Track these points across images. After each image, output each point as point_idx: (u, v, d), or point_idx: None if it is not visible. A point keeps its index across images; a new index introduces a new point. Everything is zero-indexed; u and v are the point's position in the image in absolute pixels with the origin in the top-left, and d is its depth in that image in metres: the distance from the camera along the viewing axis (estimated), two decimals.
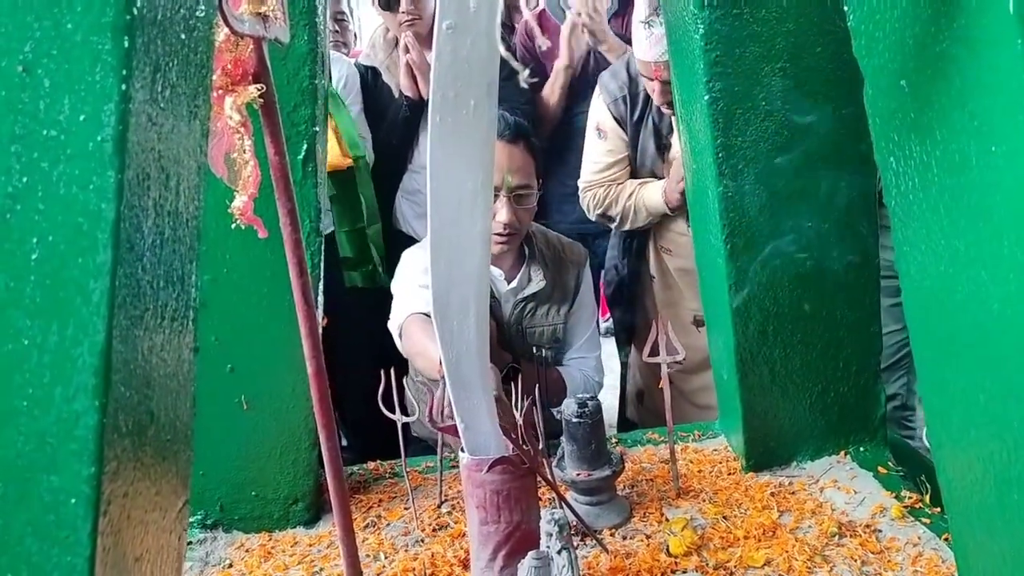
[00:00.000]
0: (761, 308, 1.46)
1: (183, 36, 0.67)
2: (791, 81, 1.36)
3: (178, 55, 0.67)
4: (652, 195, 2.26)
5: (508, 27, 3.18)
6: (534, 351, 1.99)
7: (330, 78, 2.62)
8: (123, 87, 0.58)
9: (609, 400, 2.63)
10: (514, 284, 2.01)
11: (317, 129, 1.36)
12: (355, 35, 3.26)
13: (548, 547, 1.01)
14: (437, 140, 1.07)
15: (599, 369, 2.18)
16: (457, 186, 1.08)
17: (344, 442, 3.18)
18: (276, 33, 1.10)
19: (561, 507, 1.29)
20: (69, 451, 0.58)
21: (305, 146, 1.35)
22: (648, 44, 1.98)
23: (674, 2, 1.42)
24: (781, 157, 1.39)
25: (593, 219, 2.45)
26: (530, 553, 1.02)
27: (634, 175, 2.34)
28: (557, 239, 2.15)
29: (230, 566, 1.43)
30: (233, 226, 1.06)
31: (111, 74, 0.58)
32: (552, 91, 2.85)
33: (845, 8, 0.84)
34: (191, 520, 1.50)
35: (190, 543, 1.47)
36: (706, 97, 1.36)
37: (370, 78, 2.79)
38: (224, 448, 1.48)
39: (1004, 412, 0.74)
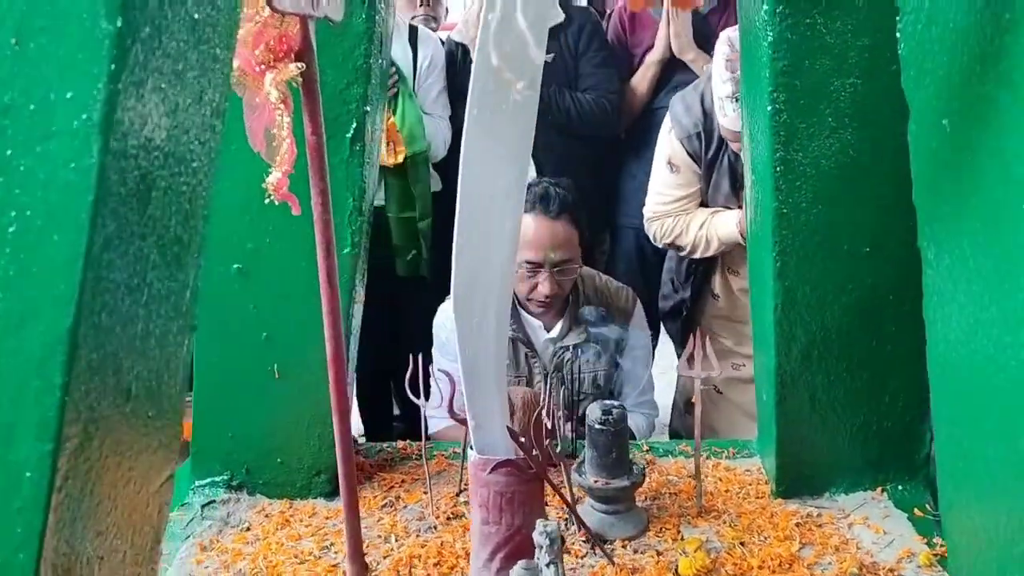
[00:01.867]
0: (807, 331, 1.40)
1: (192, 15, 0.67)
2: (861, 99, 1.29)
3: (183, 35, 0.66)
4: (726, 225, 2.17)
5: (601, 14, 3.14)
6: (573, 399, 1.99)
7: (413, 61, 2.64)
8: (112, 67, 0.58)
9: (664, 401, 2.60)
10: (554, 333, 2.03)
11: (368, 109, 1.35)
12: (446, 10, 3.24)
13: (538, 559, 1.00)
14: (473, 134, 1.05)
15: (655, 407, 2.22)
16: (490, 181, 1.07)
17: (396, 411, 3.22)
18: (326, 11, 1.10)
19: (569, 516, 1.27)
20: (29, 424, 0.59)
21: (355, 125, 1.35)
22: (736, 116, 1.90)
23: (747, 6, 1.36)
24: (843, 178, 1.32)
25: (660, 246, 2.39)
26: (520, 562, 1.01)
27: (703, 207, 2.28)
28: (606, 285, 2.16)
29: (247, 529, 1.45)
30: (267, 201, 1.07)
31: (101, 53, 0.58)
32: (641, 82, 2.81)
33: (898, 35, 0.79)
34: (217, 479, 1.54)
35: (212, 502, 1.51)
36: (769, 108, 1.31)
37: (460, 55, 2.78)
38: (254, 413, 1.51)
39: (1015, 486, 0.69)
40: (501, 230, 1.08)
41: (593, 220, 2.88)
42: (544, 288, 1.96)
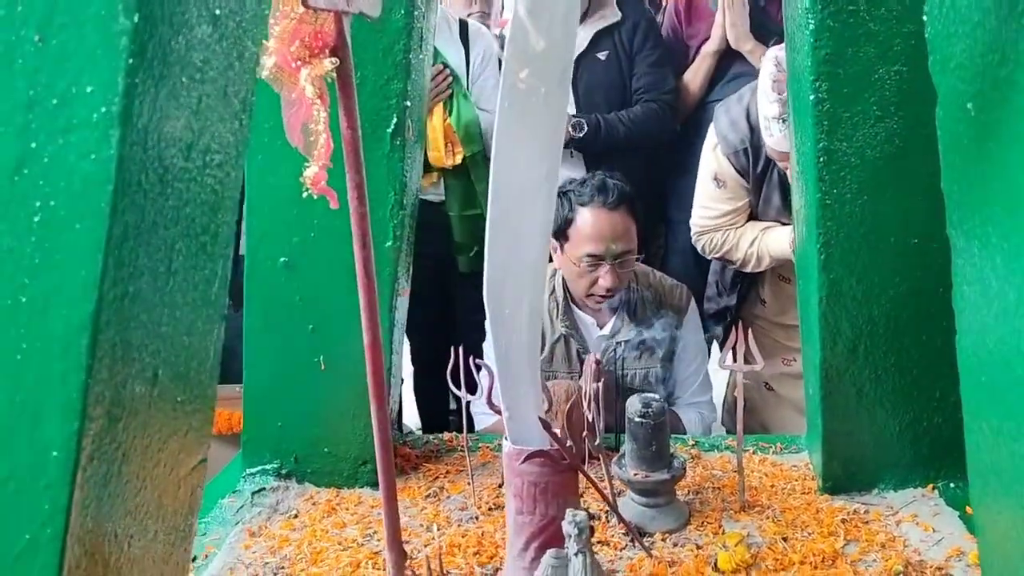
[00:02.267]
0: (853, 325, 1.37)
1: (213, 11, 0.69)
2: (907, 87, 1.26)
3: (204, 30, 0.68)
4: (778, 241, 2.13)
5: (656, 4, 3.11)
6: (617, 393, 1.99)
7: (466, 58, 2.66)
8: (130, 61, 0.60)
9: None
10: (606, 331, 2.03)
11: (409, 104, 1.37)
12: (502, 6, 3.26)
13: (567, 548, 1.00)
14: (504, 127, 1.06)
15: (714, 409, 2.18)
16: (522, 174, 1.07)
17: (453, 405, 3.25)
18: (361, 7, 1.12)
19: (612, 508, 1.27)
20: (55, 405, 0.62)
21: (395, 119, 1.37)
22: (783, 136, 1.86)
23: None
24: (889, 168, 1.29)
25: (709, 258, 2.36)
26: (550, 551, 1.02)
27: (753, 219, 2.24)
28: (660, 282, 2.14)
29: (295, 516, 1.49)
30: (304, 195, 1.10)
31: (119, 48, 0.60)
32: (696, 75, 2.77)
33: (924, 18, 0.77)
34: (267, 468, 1.58)
35: (263, 490, 1.55)
36: (812, 97, 1.29)
37: None
38: (302, 404, 1.54)
39: None
40: (533, 223, 1.09)
41: (648, 215, 2.88)
42: (606, 281, 1.96)
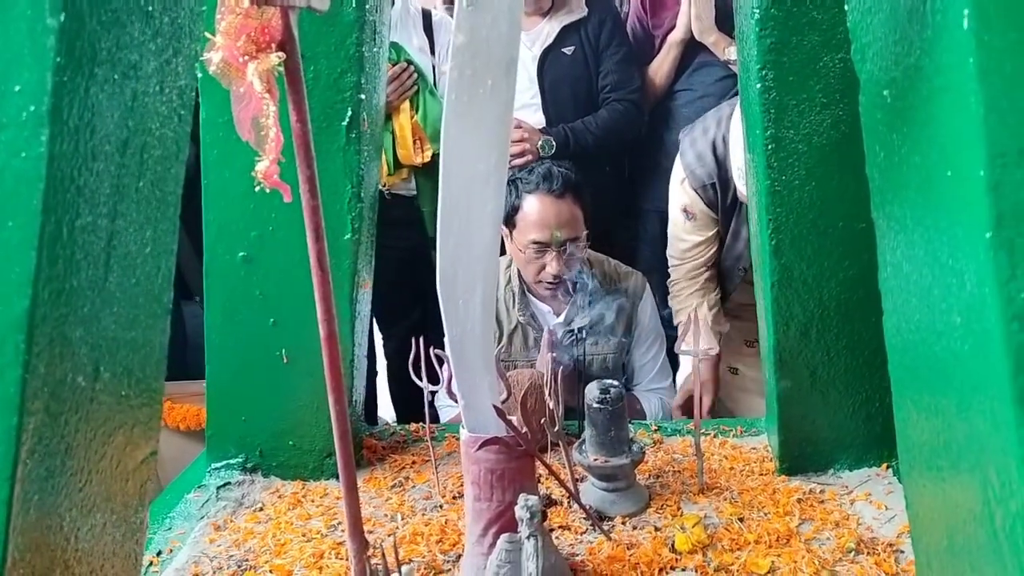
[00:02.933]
0: (805, 309, 1.40)
1: (145, 8, 0.70)
2: (851, 74, 1.28)
3: (136, 28, 0.69)
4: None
5: None
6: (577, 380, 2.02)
7: (431, 49, 2.66)
8: (57, 60, 0.61)
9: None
10: (561, 318, 2.06)
11: (363, 97, 1.38)
12: None
13: (520, 532, 1.02)
14: (452, 118, 1.07)
15: (675, 393, 2.22)
16: (470, 165, 1.09)
17: (429, 397, 3.26)
18: (309, 1, 1.13)
19: (570, 494, 1.29)
20: None
21: (350, 112, 1.38)
22: None
23: None
24: (836, 153, 1.32)
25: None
26: (503, 536, 1.03)
27: (721, 248, 2.27)
28: (615, 269, 2.17)
29: (260, 509, 1.50)
30: (257, 189, 1.11)
31: (46, 47, 0.61)
32: (662, 65, 2.78)
33: (846, 8, 0.79)
34: (232, 462, 1.59)
35: (228, 484, 1.56)
36: (759, 86, 1.31)
37: None
38: (265, 398, 1.55)
39: (951, 455, 0.70)
40: (483, 212, 1.10)
41: (616, 205, 2.90)
42: (552, 268, 1.99)
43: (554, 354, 1.43)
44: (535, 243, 1.97)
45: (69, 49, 0.62)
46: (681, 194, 2.23)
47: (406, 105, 2.52)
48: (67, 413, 0.69)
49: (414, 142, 2.54)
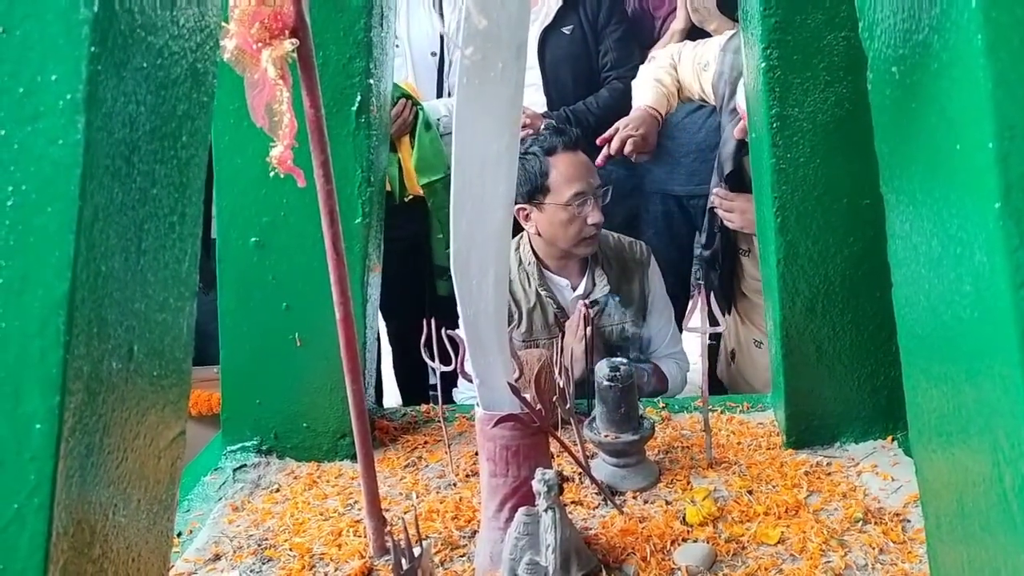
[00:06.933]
0: (810, 285, 1.42)
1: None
2: (856, 51, 1.29)
3: (164, 17, 0.71)
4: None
5: None
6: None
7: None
8: (92, 49, 0.63)
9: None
10: (579, 291, 2.10)
11: (372, 81, 1.40)
12: None
13: (538, 505, 1.04)
14: (464, 101, 1.09)
15: (687, 358, 2.28)
16: (482, 147, 1.10)
17: (432, 381, 3.29)
18: None
19: (583, 469, 1.32)
20: (35, 381, 0.65)
21: (359, 97, 1.40)
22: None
23: None
24: (840, 131, 1.34)
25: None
26: (521, 508, 1.06)
27: None
28: (618, 240, 2.23)
29: (277, 490, 1.52)
30: (272, 174, 1.12)
31: (81, 37, 0.63)
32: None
33: None
34: (247, 445, 1.61)
35: (244, 466, 1.58)
36: (763, 64, 1.32)
37: None
38: (279, 381, 1.57)
39: (962, 423, 0.72)
40: (496, 193, 1.12)
41: (620, 187, 2.92)
42: (595, 216, 2.04)
43: (589, 326, 1.46)
44: (578, 194, 2.02)
45: (102, 39, 0.63)
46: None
47: (406, 140, 2.55)
48: (104, 393, 0.71)
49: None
